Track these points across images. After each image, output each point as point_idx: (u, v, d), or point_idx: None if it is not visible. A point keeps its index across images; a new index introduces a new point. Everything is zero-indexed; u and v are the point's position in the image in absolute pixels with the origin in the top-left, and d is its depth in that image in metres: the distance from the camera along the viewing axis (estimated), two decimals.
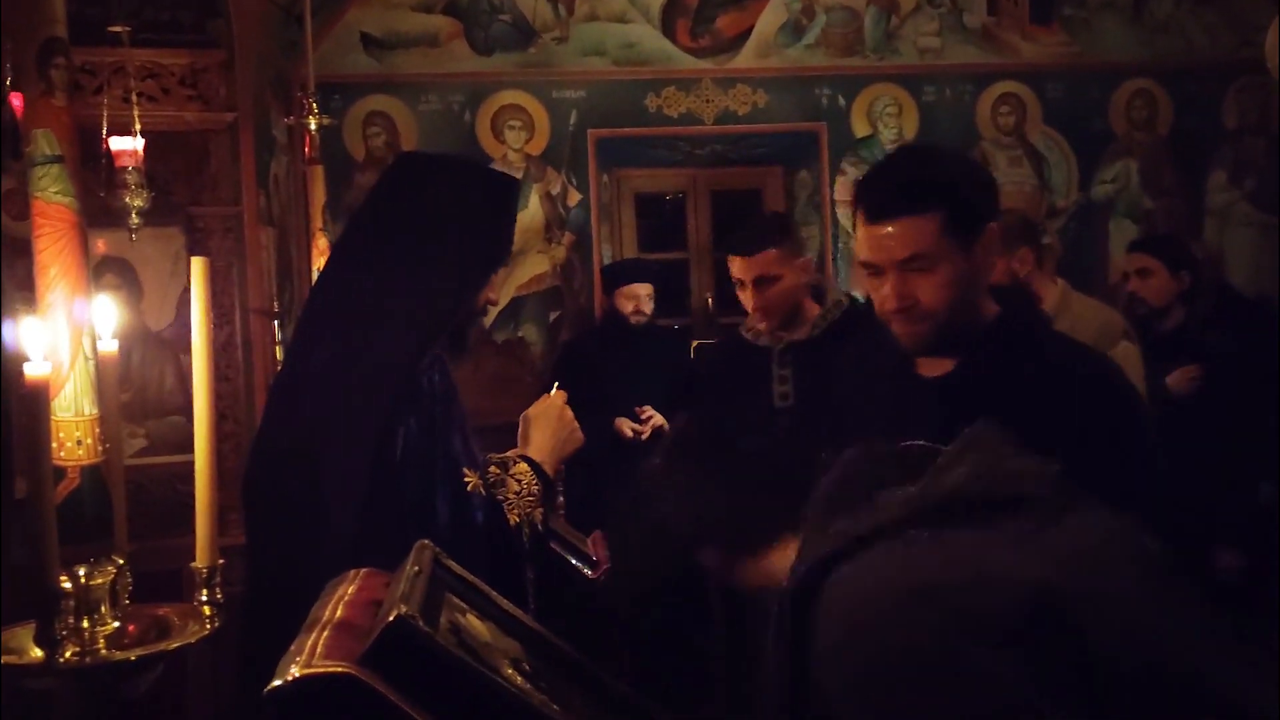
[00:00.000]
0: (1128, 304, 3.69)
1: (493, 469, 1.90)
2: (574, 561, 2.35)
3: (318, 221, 3.62)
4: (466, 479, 1.81)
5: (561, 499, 2.33)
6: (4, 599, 1.51)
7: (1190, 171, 5.84)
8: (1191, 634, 1.22)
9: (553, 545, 2.17)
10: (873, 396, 1.86)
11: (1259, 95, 5.73)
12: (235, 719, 2.43)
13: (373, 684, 1.11)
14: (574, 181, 5.48)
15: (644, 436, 4.25)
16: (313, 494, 1.72)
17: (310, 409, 1.76)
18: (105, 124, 3.01)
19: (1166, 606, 1.23)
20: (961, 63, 5.70)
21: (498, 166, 5.29)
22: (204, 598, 1.49)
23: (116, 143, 3.01)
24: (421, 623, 1.16)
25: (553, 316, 5.47)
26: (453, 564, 1.44)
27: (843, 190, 5.57)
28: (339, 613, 1.27)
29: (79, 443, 1.43)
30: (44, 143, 1.57)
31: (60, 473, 1.43)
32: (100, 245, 3.42)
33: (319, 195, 3.63)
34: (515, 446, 2.01)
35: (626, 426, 4.26)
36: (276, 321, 3.81)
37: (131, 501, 2.59)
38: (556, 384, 2.15)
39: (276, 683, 1.10)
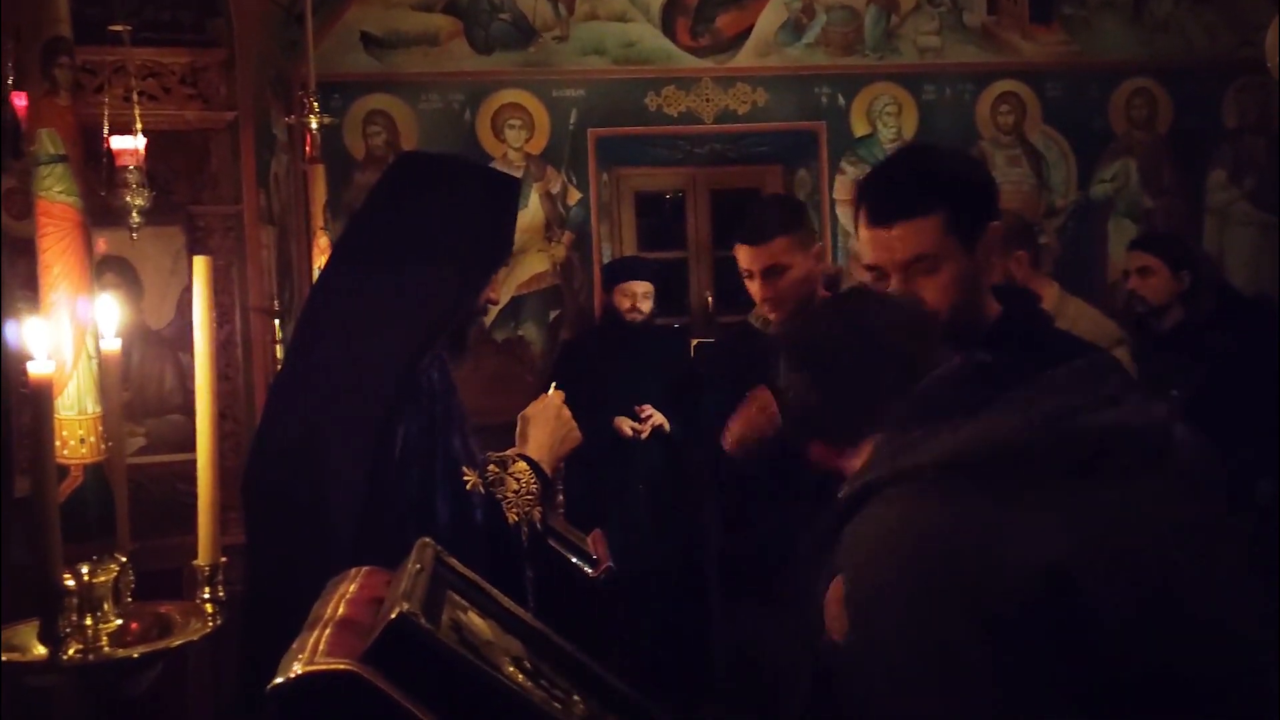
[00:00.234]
0: (1127, 302, 3.69)
1: (491, 468, 1.91)
2: (574, 560, 2.35)
3: (318, 220, 3.63)
4: (466, 478, 1.81)
5: (561, 497, 2.34)
6: (7, 596, 1.51)
7: (1190, 171, 5.84)
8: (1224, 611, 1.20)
9: (553, 544, 2.17)
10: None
11: (1259, 94, 5.73)
12: (236, 717, 2.44)
13: (375, 681, 1.11)
14: (574, 180, 5.48)
15: (643, 435, 4.26)
16: (313, 492, 1.72)
17: (310, 408, 1.77)
18: (106, 123, 3.01)
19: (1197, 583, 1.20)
20: (961, 62, 5.70)
21: (498, 165, 5.30)
22: (206, 595, 1.50)
23: (117, 142, 3.01)
24: (423, 620, 1.16)
25: (553, 315, 5.48)
26: (454, 562, 1.44)
27: (842, 189, 5.58)
28: (341, 610, 1.27)
29: (82, 441, 1.43)
30: (48, 142, 1.57)
31: (63, 471, 1.43)
32: (101, 244, 3.41)
33: (319, 194, 3.63)
34: (515, 445, 2.02)
35: (626, 425, 4.26)
36: (277, 320, 3.81)
37: (131, 500, 2.60)
38: (554, 383, 2.15)
39: (278, 680, 1.11)
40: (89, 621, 1.41)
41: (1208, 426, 3.50)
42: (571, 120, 5.45)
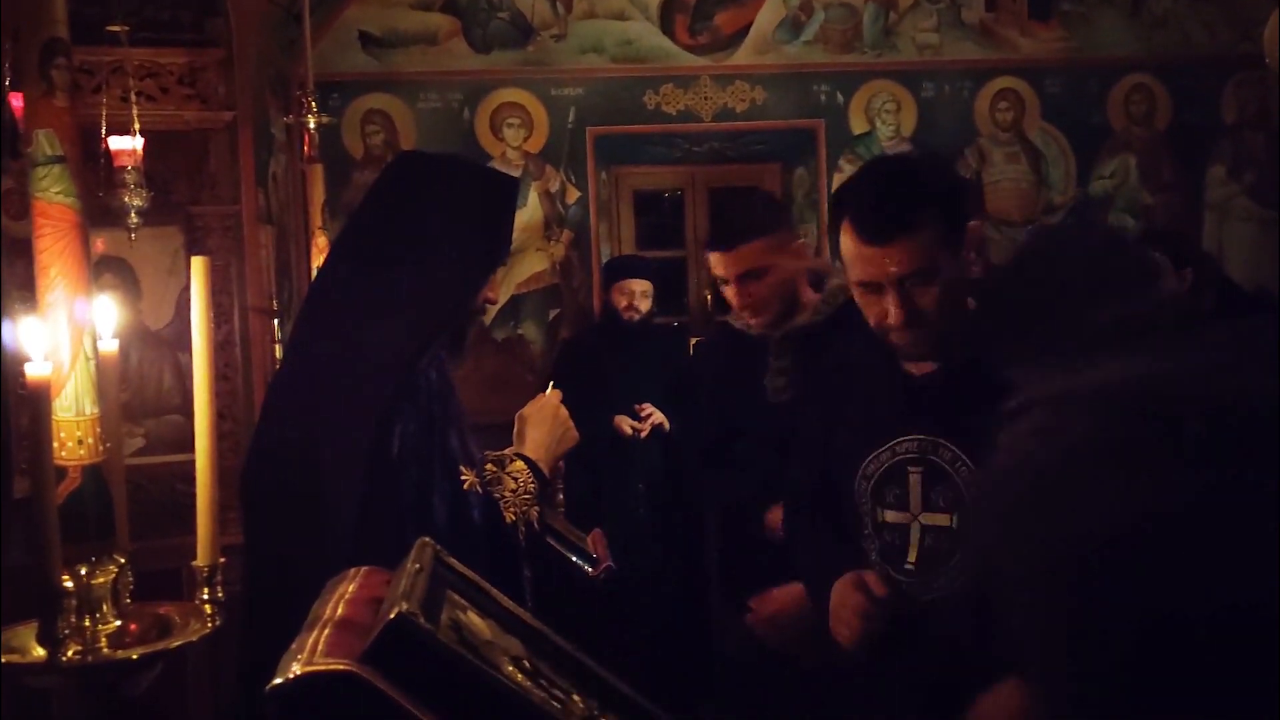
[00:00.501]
0: None
1: (489, 467, 1.91)
2: (574, 559, 2.35)
3: (317, 220, 3.63)
4: (464, 477, 1.81)
5: (561, 496, 2.34)
6: (6, 598, 1.51)
7: (1189, 166, 5.84)
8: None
9: (552, 543, 2.17)
10: (865, 394, 1.87)
11: (1258, 89, 5.73)
12: (236, 717, 2.44)
13: (374, 681, 1.11)
14: (573, 179, 5.48)
15: (643, 434, 4.26)
16: (311, 492, 1.72)
17: (308, 407, 1.77)
18: (104, 123, 3.01)
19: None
20: (960, 59, 5.70)
21: (496, 164, 5.30)
22: (205, 596, 1.49)
23: (115, 142, 3.01)
24: (423, 620, 1.16)
25: (552, 314, 5.48)
26: (454, 561, 1.44)
27: None
28: (340, 611, 1.27)
29: (80, 442, 1.43)
30: (45, 143, 1.57)
31: (61, 472, 1.43)
32: (99, 245, 3.42)
33: (318, 194, 3.63)
34: (513, 445, 2.02)
35: (626, 424, 4.26)
36: (276, 320, 3.82)
37: (130, 501, 2.60)
38: (552, 383, 2.15)
39: (277, 681, 1.10)
40: (88, 623, 1.41)
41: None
42: (570, 119, 5.45)
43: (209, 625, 1.47)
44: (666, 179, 5.87)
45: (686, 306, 5.70)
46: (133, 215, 3.03)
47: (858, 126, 5.65)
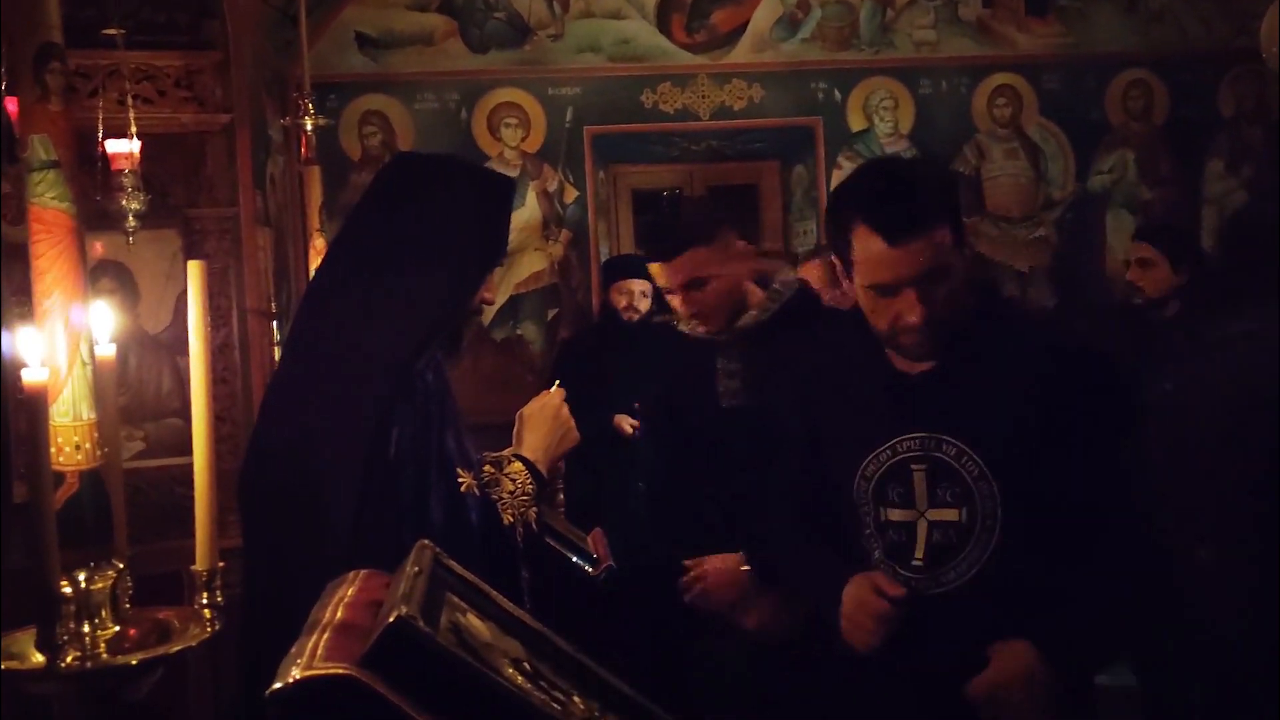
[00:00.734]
0: (1125, 293, 3.69)
1: (487, 468, 1.90)
2: (574, 559, 2.35)
3: (314, 222, 3.63)
4: (460, 479, 1.81)
5: (561, 496, 2.34)
6: (4, 604, 1.51)
7: (1187, 161, 5.84)
8: None
9: (553, 543, 2.17)
10: (853, 395, 1.86)
11: (1255, 83, 5.73)
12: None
13: (374, 685, 1.11)
14: (571, 178, 5.48)
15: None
16: (309, 494, 1.72)
17: (306, 409, 1.76)
18: (101, 127, 3.01)
19: None
20: (957, 55, 5.70)
21: (494, 164, 5.30)
22: (204, 600, 1.49)
23: (112, 145, 3.00)
24: (422, 623, 1.16)
25: (551, 314, 5.48)
26: (453, 564, 1.44)
27: None
28: (339, 614, 1.27)
29: (77, 447, 1.43)
30: (40, 148, 1.57)
31: (60, 478, 1.43)
32: (97, 248, 3.41)
33: (315, 195, 3.63)
34: (509, 449, 2.01)
35: (625, 423, 4.26)
36: (274, 322, 3.81)
37: (129, 504, 2.59)
38: (557, 381, 2.14)
39: (277, 685, 1.10)
40: (87, 628, 1.40)
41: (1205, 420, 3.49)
42: (567, 118, 5.45)
43: (209, 630, 1.47)
44: (665, 178, 5.87)
45: None
46: (130, 219, 3.02)
47: (856, 124, 5.65)
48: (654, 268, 2.49)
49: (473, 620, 1.35)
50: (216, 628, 1.49)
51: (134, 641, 1.46)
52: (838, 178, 5.57)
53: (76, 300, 1.50)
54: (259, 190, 4.02)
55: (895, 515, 1.77)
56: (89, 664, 1.39)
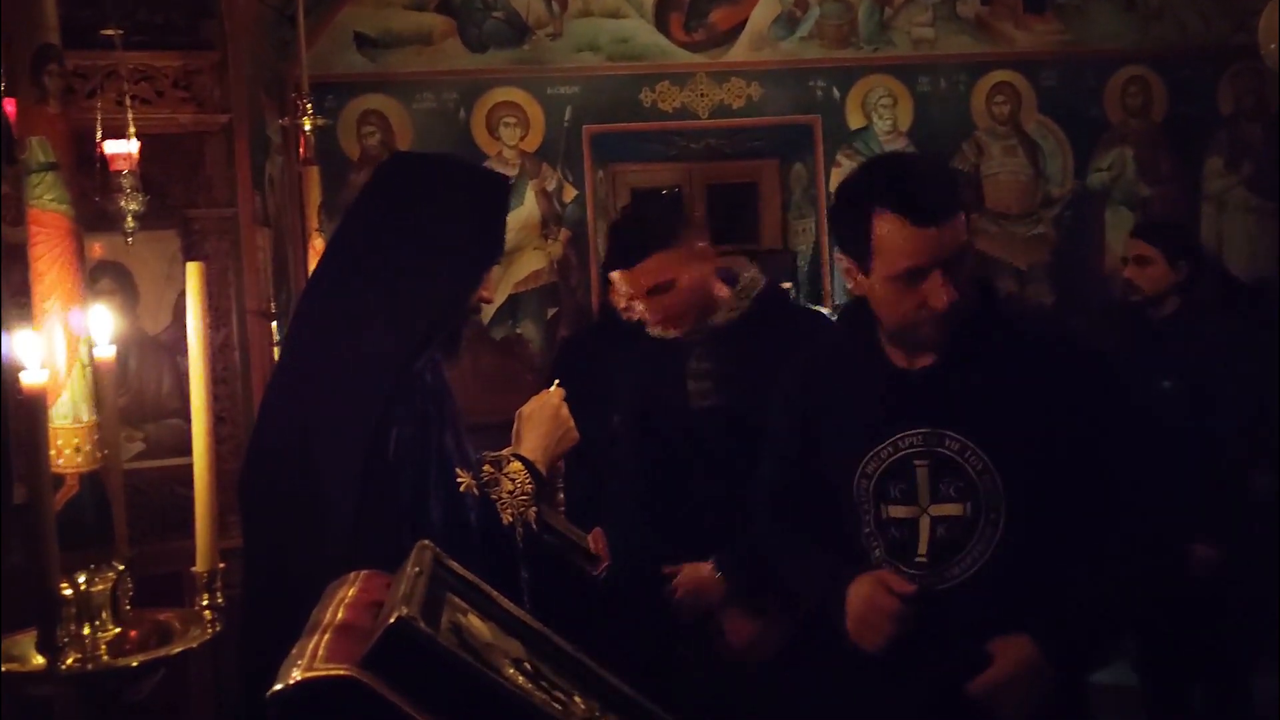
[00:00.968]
0: (1123, 290, 3.68)
1: (486, 468, 1.90)
2: (575, 559, 2.35)
3: (313, 222, 3.62)
4: (460, 479, 1.80)
5: (562, 495, 2.33)
6: (5, 606, 1.51)
7: (1186, 158, 5.84)
8: None
9: (554, 542, 2.17)
10: (849, 393, 1.86)
11: (1254, 80, 5.72)
12: None
13: (375, 686, 1.11)
14: (569, 177, 5.47)
15: None
16: (309, 495, 1.72)
17: (305, 410, 1.76)
18: (99, 128, 3.00)
19: None
20: (956, 53, 5.69)
21: (493, 163, 5.30)
22: (205, 602, 1.49)
23: (111, 146, 3.00)
24: (423, 624, 1.16)
25: (550, 313, 5.47)
26: (454, 564, 1.44)
27: (838, 182, 5.56)
28: (340, 615, 1.27)
29: (77, 450, 1.43)
30: (39, 150, 1.57)
31: (59, 480, 1.43)
32: (96, 249, 3.41)
33: (314, 196, 3.63)
34: (508, 449, 2.01)
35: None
36: (274, 323, 3.81)
37: (130, 505, 2.58)
38: (557, 381, 2.14)
39: (278, 686, 1.10)
40: (87, 630, 1.40)
41: (1203, 416, 3.51)
42: (566, 117, 5.44)
43: (209, 631, 1.47)
44: (664, 176, 5.87)
45: None
46: (129, 219, 3.02)
47: (855, 121, 5.65)
48: (616, 275, 2.44)
49: (473, 620, 1.35)
50: (217, 629, 1.49)
51: (134, 643, 1.46)
52: (837, 176, 5.57)
53: (76, 302, 1.50)
54: (258, 190, 4.02)
55: (897, 512, 1.77)
56: (89, 666, 1.39)
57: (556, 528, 2.21)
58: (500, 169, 5.36)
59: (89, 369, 1.46)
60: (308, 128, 3.57)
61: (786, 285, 2.63)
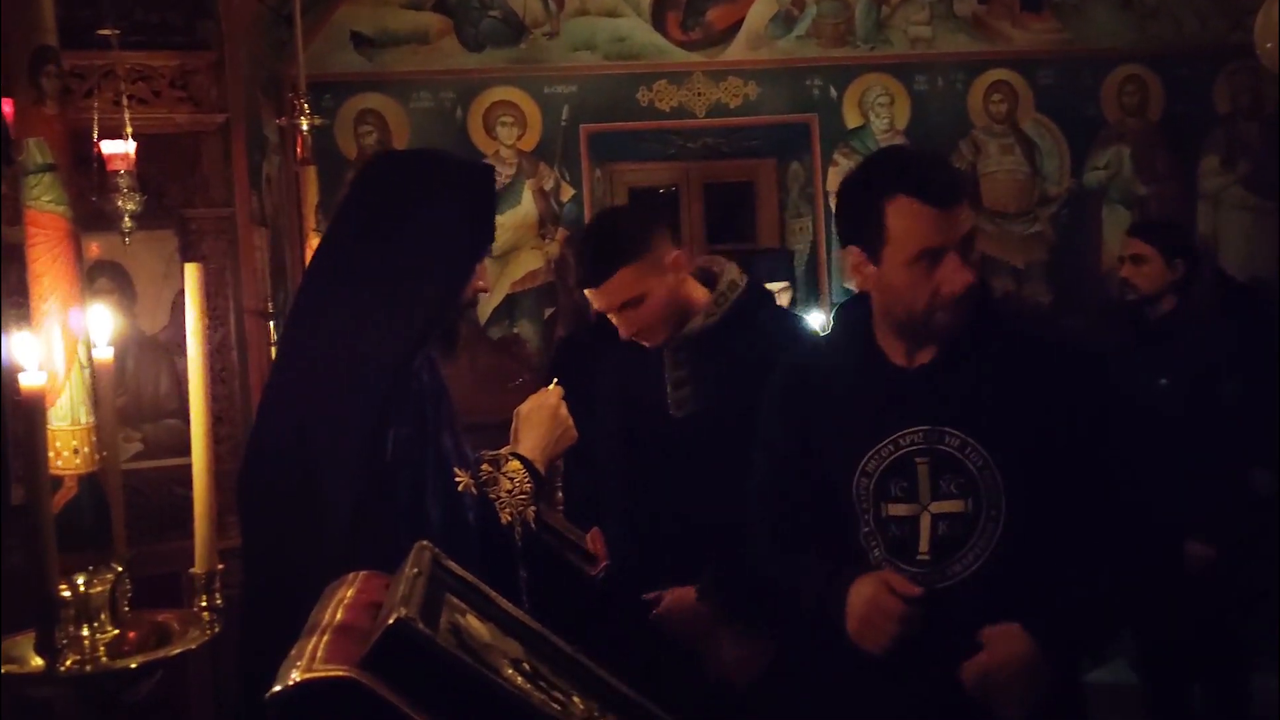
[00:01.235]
0: (1119, 289, 3.69)
1: (485, 467, 1.90)
2: (572, 559, 2.35)
3: (311, 221, 3.62)
4: (457, 479, 1.80)
5: (560, 495, 2.33)
6: (4, 608, 1.51)
7: (1182, 156, 5.84)
8: None
9: (552, 542, 2.17)
10: (846, 393, 1.86)
11: (1250, 79, 5.72)
12: None
13: (374, 687, 1.11)
14: (567, 176, 5.47)
15: None
16: (308, 496, 1.72)
17: (303, 411, 1.76)
18: (96, 128, 3.00)
19: None
20: (953, 51, 5.70)
21: (490, 162, 5.29)
22: (204, 603, 1.49)
23: (108, 146, 3.00)
24: (421, 625, 1.16)
25: (548, 313, 5.48)
26: (453, 564, 1.44)
27: (835, 181, 5.57)
28: (339, 616, 1.27)
29: (75, 452, 1.43)
30: (36, 151, 1.57)
31: (57, 482, 1.43)
32: (93, 249, 3.41)
33: (312, 195, 3.62)
34: (506, 448, 2.01)
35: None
36: (271, 322, 3.81)
37: (128, 505, 2.58)
38: (555, 379, 2.13)
39: (277, 688, 1.10)
40: (86, 632, 1.40)
41: (1202, 414, 3.51)
42: (563, 116, 5.44)
43: (208, 632, 1.47)
44: (661, 175, 5.87)
45: None
46: (126, 219, 3.02)
47: (852, 120, 5.65)
48: (588, 293, 2.37)
49: (472, 621, 1.35)
50: (216, 630, 1.49)
51: (133, 645, 1.46)
52: (834, 175, 5.57)
53: (73, 303, 1.50)
54: (255, 190, 4.02)
55: (897, 510, 1.77)
56: (88, 667, 1.39)
57: (555, 527, 2.21)
58: (498, 168, 5.37)
59: (87, 370, 1.46)
60: (305, 127, 3.57)
61: (777, 286, 2.57)
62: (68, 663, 1.39)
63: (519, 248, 5.40)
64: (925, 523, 1.76)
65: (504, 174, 5.41)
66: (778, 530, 1.96)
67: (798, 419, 1.91)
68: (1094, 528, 1.76)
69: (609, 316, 2.38)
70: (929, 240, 1.70)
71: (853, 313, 1.93)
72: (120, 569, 1.46)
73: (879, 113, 5.65)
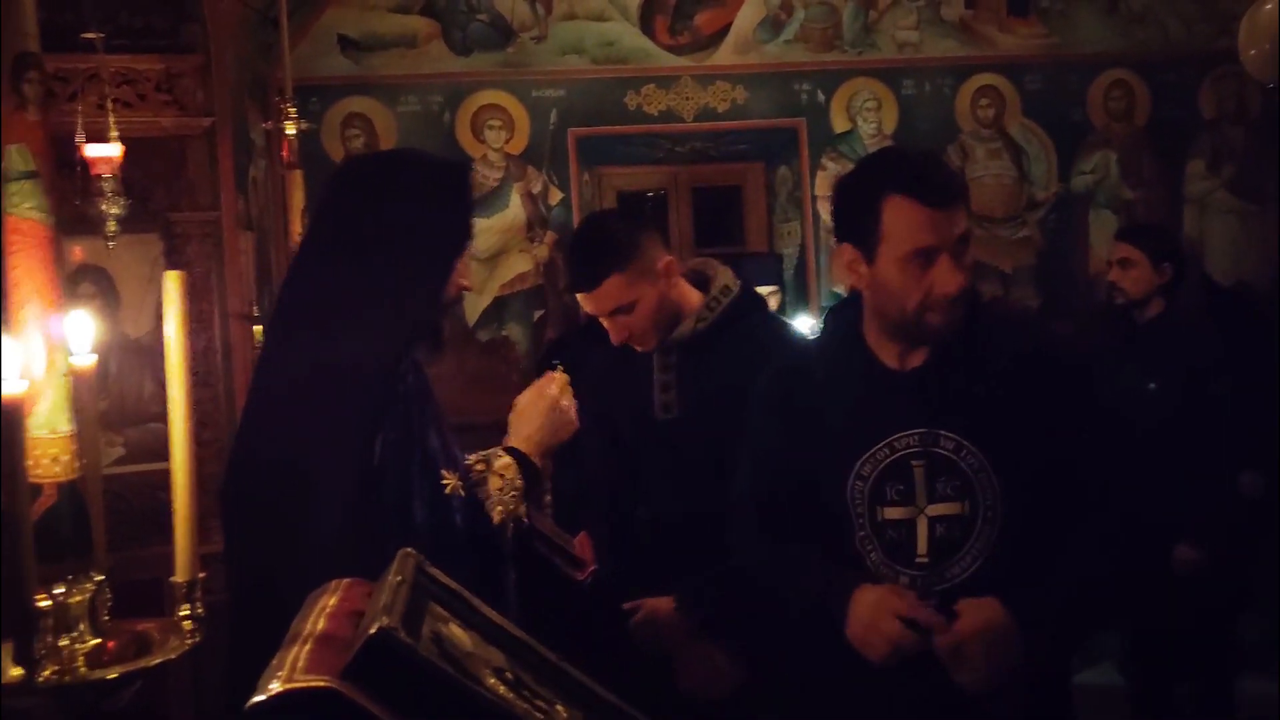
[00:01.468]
0: (1107, 293, 3.70)
1: (479, 466, 1.88)
2: (559, 563, 2.34)
3: (297, 225, 3.61)
4: (445, 480, 1.79)
5: (549, 498, 2.31)
6: None
7: (1169, 161, 5.86)
8: None
9: (539, 547, 2.16)
10: (838, 397, 1.85)
11: (1235, 85, 5.75)
12: None
13: (355, 697, 1.10)
14: (555, 180, 5.47)
15: None
16: (293, 502, 1.71)
17: (289, 416, 1.75)
18: (80, 131, 2.98)
19: None
20: (940, 56, 5.71)
21: (478, 166, 5.30)
22: (184, 612, 1.48)
23: (92, 150, 2.98)
24: (403, 635, 1.15)
25: (536, 315, 5.47)
26: (436, 572, 1.43)
27: (823, 185, 5.58)
28: (320, 625, 1.26)
29: (55, 460, 1.41)
30: (18, 158, 1.55)
31: (36, 490, 1.42)
32: (77, 253, 3.39)
33: (298, 199, 3.61)
34: (500, 444, 1.99)
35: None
36: (257, 326, 3.80)
37: (111, 510, 2.57)
38: (560, 366, 2.09)
39: (259, 698, 1.10)
40: (65, 642, 1.39)
41: (1190, 418, 3.52)
42: (551, 120, 5.44)
43: (188, 642, 1.46)
44: (649, 179, 5.87)
45: None
46: (111, 223, 3.00)
47: (839, 125, 5.66)
48: (579, 298, 2.37)
49: (455, 630, 1.34)
50: (196, 639, 1.48)
51: (112, 654, 1.44)
52: (822, 179, 5.58)
53: (53, 310, 1.48)
54: (241, 194, 4.00)
55: (893, 514, 1.77)
56: (67, 678, 1.38)
57: (542, 531, 2.20)
58: (486, 171, 5.36)
59: (67, 378, 1.44)
60: (291, 131, 3.56)
61: (765, 291, 2.54)
62: (46, 673, 1.38)
63: (507, 251, 5.40)
64: (922, 526, 1.75)
65: (492, 177, 5.40)
66: (767, 530, 1.95)
67: (788, 422, 1.90)
68: (1084, 527, 1.76)
69: (600, 320, 2.37)
70: (923, 240, 1.70)
71: (843, 315, 1.92)
72: (100, 578, 1.45)
73: (867, 117, 5.66)
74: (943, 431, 1.75)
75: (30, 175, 1.49)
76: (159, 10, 3.60)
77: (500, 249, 5.37)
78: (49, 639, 1.39)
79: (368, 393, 1.72)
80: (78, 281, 3.44)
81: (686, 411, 2.32)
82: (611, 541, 2.41)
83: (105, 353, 3.43)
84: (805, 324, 4.74)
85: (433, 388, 1.86)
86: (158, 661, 1.41)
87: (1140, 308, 3.52)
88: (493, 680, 1.28)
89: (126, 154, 3.06)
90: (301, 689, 1.10)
